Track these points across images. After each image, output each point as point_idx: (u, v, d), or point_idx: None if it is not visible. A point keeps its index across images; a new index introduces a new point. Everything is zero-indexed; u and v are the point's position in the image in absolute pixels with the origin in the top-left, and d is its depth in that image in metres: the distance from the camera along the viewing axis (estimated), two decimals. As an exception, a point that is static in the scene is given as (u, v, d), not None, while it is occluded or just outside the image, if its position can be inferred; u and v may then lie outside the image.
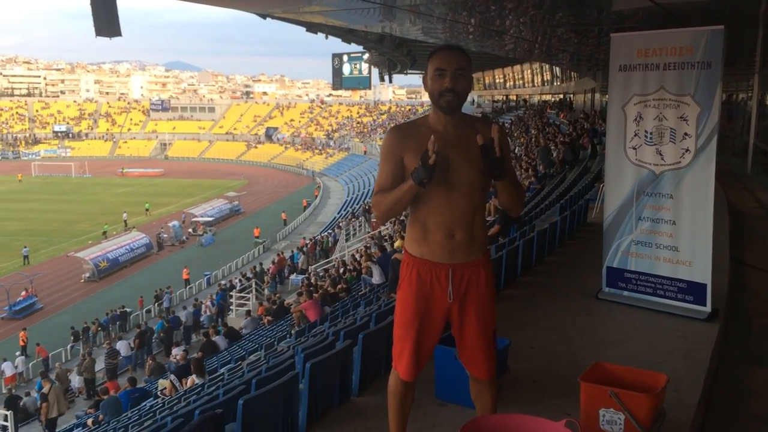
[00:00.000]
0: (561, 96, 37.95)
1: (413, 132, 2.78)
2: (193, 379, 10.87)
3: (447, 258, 2.76)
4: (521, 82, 48.25)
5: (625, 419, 3.14)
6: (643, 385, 3.27)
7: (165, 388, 12.27)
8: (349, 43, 24.57)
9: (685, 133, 5.02)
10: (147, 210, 45.95)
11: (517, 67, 46.27)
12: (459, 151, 2.72)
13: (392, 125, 2.94)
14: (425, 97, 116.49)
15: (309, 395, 3.51)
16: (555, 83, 39.43)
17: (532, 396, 3.91)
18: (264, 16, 15.31)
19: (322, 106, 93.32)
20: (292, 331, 12.89)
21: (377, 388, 4.17)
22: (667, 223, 5.24)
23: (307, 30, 19.37)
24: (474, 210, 2.75)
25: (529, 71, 44.72)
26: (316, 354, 4.34)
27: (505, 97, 50.77)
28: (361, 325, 5.17)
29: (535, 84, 44.36)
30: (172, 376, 11.86)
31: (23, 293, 27.44)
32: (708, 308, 5.12)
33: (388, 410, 3.00)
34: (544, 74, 40.98)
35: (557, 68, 36.32)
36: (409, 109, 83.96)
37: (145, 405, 11.66)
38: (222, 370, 11.67)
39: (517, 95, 49.48)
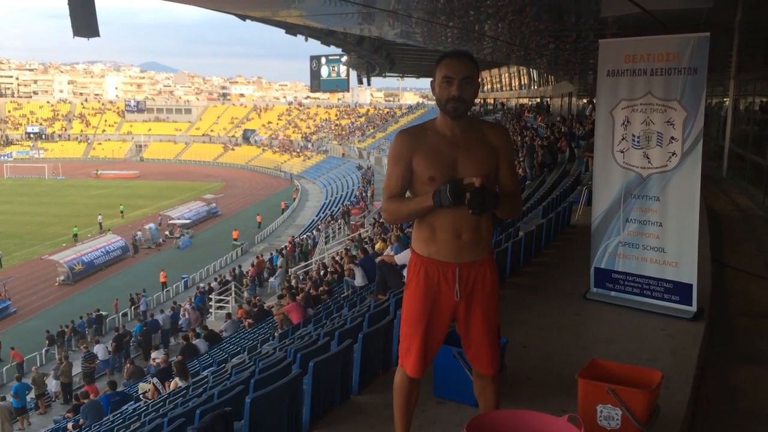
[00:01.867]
0: (538, 99, 38.34)
1: (421, 136, 2.85)
2: (176, 382, 10.80)
3: (454, 257, 2.82)
4: (499, 85, 48.68)
5: (622, 415, 3.23)
6: (638, 381, 3.36)
7: (146, 391, 12.18)
8: (328, 45, 24.60)
9: (672, 137, 5.15)
10: (121, 212, 45.45)
11: (495, 71, 46.68)
12: (465, 154, 2.79)
13: (400, 130, 2.99)
14: (403, 100, 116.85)
15: (312, 394, 3.55)
16: (532, 87, 39.83)
17: (528, 393, 3.99)
18: (243, 18, 15.29)
19: (300, 108, 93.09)
20: (275, 334, 12.86)
21: (376, 387, 4.24)
22: (653, 225, 5.37)
23: (286, 32, 19.38)
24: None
25: (506, 75, 45.14)
26: (312, 355, 4.38)
27: (482, 101, 51.17)
28: (354, 326, 5.22)
29: (513, 87, 44.77)
30: (155, 379, 11.77)
31: (-4, 297, 27.03)
32: (694, 308, 5.25)
33: (394, 407, 3.05)
34: (522, 78, 41.37)
35: (534, 72, 36.69)
36: (387, 112, 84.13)
37: (127, 408, 11.57)
38: (205, 373, 11.62)
39: (494, 98, 49.88)
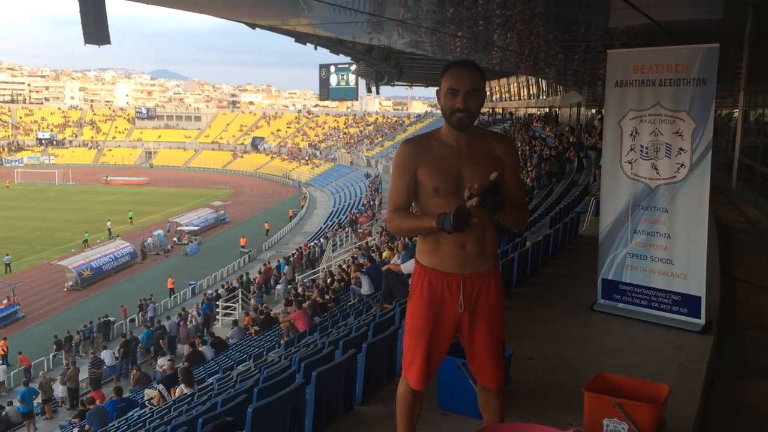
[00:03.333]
0: (547, 109, 38.28)
1: (426, 146, 2.83)
2: (182, 389, 10.78)
3: (458, 268, 2.80)
4: (507, 95, 48.63)
5: (628, 429, 3.19)
6: (645, 395, 3.32)
7: (152, 398, 12.16)
8: (338, 54, 24.64)
9: (681, 149, 5.12)
10: (130, 218, 45.61)
11: (504, 80, 46.64)
12: (471, 165, 2.77)
13: (404, 139, 2.97)
14: (412, 109, 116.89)
15: (315, 404, 3.53)
16: (541, 97, 39.76)
17: (534, 406, 3.95)
18: (253, 26, 15.34)
19: (309, 116, 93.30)
20: (282, 341, 12.84)
21: (379, 398, 4.20)
22: (662, 237, 5.33)
23: (296, 40, 19.42)
24: (485, 222, 2.79)
25: (515, 84, 45.11)
26: (316, 364, 4.36)
27: (491, 110, 51.13)
28: (359, 335, 5.20)
29: (521, 97, 44.72)
30: (161, 386, 11.76)
31: (5, 301, 27.11)
32: (702, 321, 5.20)
33: (397, 418, 3.02)
34: (531, 87, 41.33)
35: (543, 82, 36.64)
36: (396, 121, 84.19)
37: (133, 415, 11.55)
38: (210, 380, 11.60)
39: (503, 108, 49.84)
